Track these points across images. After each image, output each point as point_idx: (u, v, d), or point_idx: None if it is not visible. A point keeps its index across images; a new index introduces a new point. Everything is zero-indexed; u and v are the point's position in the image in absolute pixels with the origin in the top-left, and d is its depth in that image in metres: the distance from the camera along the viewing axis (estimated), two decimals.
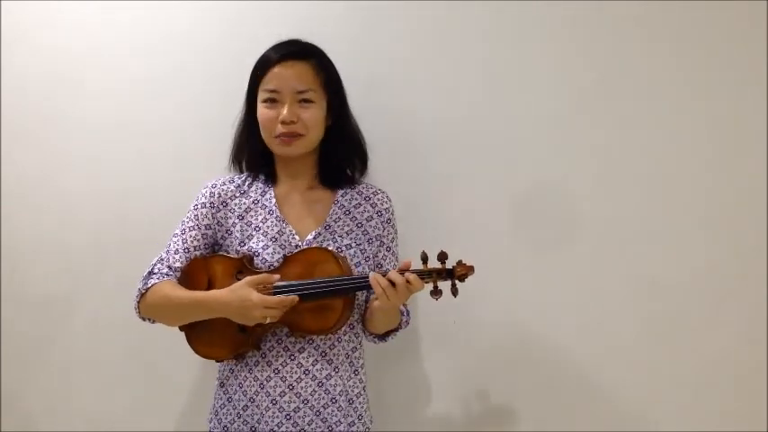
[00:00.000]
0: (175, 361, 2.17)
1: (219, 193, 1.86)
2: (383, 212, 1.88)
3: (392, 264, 1.88)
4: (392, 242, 1.90)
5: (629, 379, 1.96)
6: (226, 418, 1.81)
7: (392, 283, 1.66)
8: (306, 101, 1.80)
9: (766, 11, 1.87)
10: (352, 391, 1.82)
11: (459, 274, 1.68)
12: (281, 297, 1.68)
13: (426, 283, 1.68)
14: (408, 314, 1.88)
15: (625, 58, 1.96)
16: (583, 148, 1.99)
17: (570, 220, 1.99)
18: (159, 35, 2.21)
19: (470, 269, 1.68)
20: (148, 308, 1.80)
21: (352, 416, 1.81)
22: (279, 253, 1.79)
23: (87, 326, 2.27)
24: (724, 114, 1.91)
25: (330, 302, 1.73)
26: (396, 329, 1.86)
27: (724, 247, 1.91)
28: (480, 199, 2.05)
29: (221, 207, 1.85)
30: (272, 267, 1.77)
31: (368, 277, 1.68)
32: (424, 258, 1.69)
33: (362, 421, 1.84)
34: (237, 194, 1.87)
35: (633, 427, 1.96)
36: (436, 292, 1.68)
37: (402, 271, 1.68)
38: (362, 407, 1.84)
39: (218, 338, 1.77)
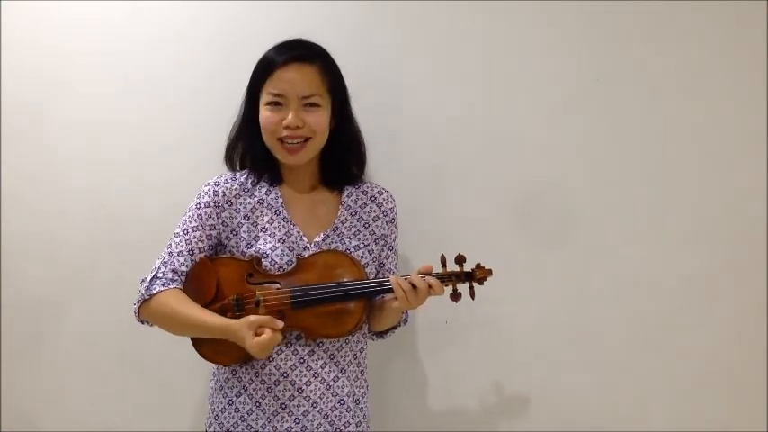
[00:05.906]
0: (168, 361, 2.15)
1: (224, 192, 1.79)
2: (388, 212, 1.88)
3: (394, 263, 1.89)
4: (394, 241, 1.90)
5: (623, 380, 2.00)
6: (228, 422, 1.77)
7: (413, 287, 1.67)
8: (312, 105, 1.75)
9: (766, 11, 1.91)
10: (359, 391, 1.82)
11: (478, 277, 1.70)
12: (270, 336, 1.63)
13: (446, 286, 1.69)
14: (407, 312, 1.89)
15: (622, 58, 1.98)
16: (579, 148, 2.02)
17: (565, 219, 2.02)
18: (155, 35, 2.17)
19: (489, 272, 1.71)
20: (151, 315, 1.74)
21: (358, 416, 1.81)
22: (288, 255, 1.75)
23: (80, 327, 2.22)
24: (722, 115, 1.94)
25: (349, 306, 1.71)
26: (395, 327, 1.87)
27: (721, 248, 1.96)
28: (474, 198, 2.06)
29: (226, 206, 1.79)
30: (282, 269, 1.74)
31: (389, 280, 1.68)
32: (444, 262, 1.70)
33: (367, 421, 1.84)
34: (242, 193, 1.80)
35: (630, 427, 2.00)
36: (456, 295, 1.70)
37: (422, 274, 1.69)
38: (366, 407, 1.84)
39: (226, 346, 1.71)
